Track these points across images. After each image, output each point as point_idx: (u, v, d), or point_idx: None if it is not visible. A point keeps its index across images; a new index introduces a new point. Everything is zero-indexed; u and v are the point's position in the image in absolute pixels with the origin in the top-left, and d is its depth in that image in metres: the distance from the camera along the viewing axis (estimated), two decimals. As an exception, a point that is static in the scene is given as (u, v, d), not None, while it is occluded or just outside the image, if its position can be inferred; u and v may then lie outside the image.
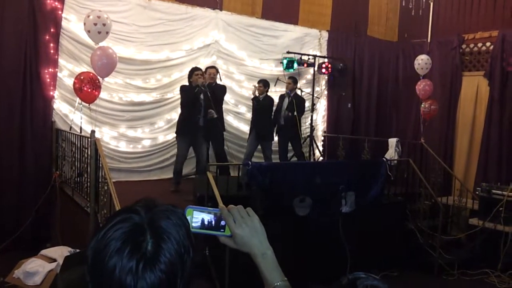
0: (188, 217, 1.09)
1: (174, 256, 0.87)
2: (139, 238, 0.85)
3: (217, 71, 6.84)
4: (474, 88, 8.27)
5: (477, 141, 8.13)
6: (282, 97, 7.64)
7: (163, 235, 0.87)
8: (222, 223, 1.15)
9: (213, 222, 1.14)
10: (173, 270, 0.86)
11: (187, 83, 6.48)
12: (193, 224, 1.11)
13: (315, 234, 5.41)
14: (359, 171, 6.15)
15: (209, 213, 1.14)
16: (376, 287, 0.82)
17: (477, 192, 7.05)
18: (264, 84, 7.29)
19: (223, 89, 6.86)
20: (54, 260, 4.20)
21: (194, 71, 6.27)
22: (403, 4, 7.99)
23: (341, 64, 8.67)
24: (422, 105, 8.01)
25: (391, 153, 7.44)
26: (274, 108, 7.57)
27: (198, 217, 1.12)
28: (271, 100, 7.40)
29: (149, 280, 0.83)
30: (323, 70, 8.48)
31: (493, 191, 6.59)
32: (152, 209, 0.91)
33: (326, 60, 8.61)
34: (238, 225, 1.14)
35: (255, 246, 1.14)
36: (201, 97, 6.20)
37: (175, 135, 6.64)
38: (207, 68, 6.74)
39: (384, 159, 6.56)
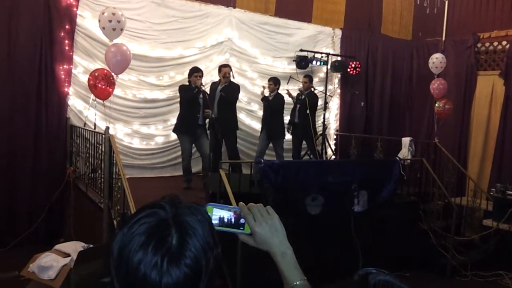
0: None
1: (199, 252, 0.86)
2: (164, 233, 0.85)
3: (231, 69, 6.83)
4: (489, 87, 8.18)
5: (492, 141, 8.04)
6: (297, 96, 7.61)
7: (188, 230, 0.87)
8: (242, 221, 1.14)
9: (233, 220, 1.14)
10: (198, 266, 0.86)
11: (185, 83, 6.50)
12: (213, 222, 1.10)
13: (326, 233, 5.40)
14: (371, 170, 6.11)
15: (229, 210, 1.14)
16: (388, 282, 0.81)
17: (491, 193, 6.98)
18: (274, 82, 7.26)
19: (237, 88, 6.83)
20: (68, 255, 4.24)
21: (193, 72, 6.24)
22: (418, 2, 7.94)
23: (356, 92, 8.69)
24: (436, 104, 7.94)
25: (404, 153, 7.39)
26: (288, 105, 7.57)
27: (218, 215, 1.12)
28: (282, 98, 7.34)
29: (174, 275, 0.83)
30: (350, 71, 8.48)
31: (508, 192, 6.52)
32: (177, 205, 0.91)
33: (339, 58, 8.56)
34: (258, 223, 1.14)
35: (275, 245, 1.14)
36: (200, 96, 6.21)
37: (176, 133, 6.63)
38: (221, 67, 6.73)
39: (397, 158, 6.51)
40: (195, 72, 6.21)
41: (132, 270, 0.84)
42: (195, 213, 0.91)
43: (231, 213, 1.14)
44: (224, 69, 6.64)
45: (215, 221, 1.11)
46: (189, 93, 6.16)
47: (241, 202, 1.17)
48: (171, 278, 0.83)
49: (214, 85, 6.69)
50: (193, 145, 6.46)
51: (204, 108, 6.24)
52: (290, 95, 7.49)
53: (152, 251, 0.83)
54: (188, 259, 0.85)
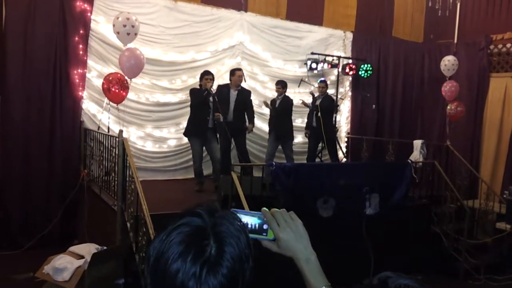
0: None
1: (236, 261, 0.87)
2: (203, 242, 0.86)
3: (243, 73, 6.89)
4: (502, 89, 8.13)
5: (505, 143, 7.98)
6: (313, 102, 7.61)
7: (226, 239, 0.87)
8: (265, 226, 1.13)
9: (256, 226, 1.13)
10: (235, 276, 0.86)
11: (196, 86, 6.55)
12: None
13: (338, 236, 5.40)
14: (383, 173, 6.11)
15: (252, 216, 1.13)
16: (409, 286, 0.81)
17: (504, 196, 6.93)
18: (282, 85, 7.26)
19: (249, 94, 6.92)
20: (82, 257, 4.30)
21: (204, 75, 6.28)
22: (429, 5, 7.90)
23: (367, 94, 8.70)
24: (448, 107, 7.91)
25: (416, 155, 7.37)
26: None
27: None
28: (290, 100, 7.35)
29: (211, 285, 0.84)
30: (348, 71, 8.45)
31: (521, 194, 6.47)
32: (214, 214, 0.92)
33: (350, 61, 8.58)
34: (283, 229, 1.13)
35: (300, 251, 1.13)
36: (210, 99, 6.26)
37: (186, 136, 6.66)
38: (235, 70, 6.79)
39: (409, 161, 6.49)
40: (206, 75, 6.25)
41: (169, 278, 0.84)
42: (232, 222, 0.92)
43: (255, 219, 1.13)
44: (238, 72, 6.70)
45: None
46: (199, 96, 6.21)
47: (264, 208, 1.17)
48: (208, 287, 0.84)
49: (225, 88, 6.72)
50: (204, 148, 6.50)
51: (214, 111, 6.29)
52: (305, 104, 7.50)
53: (191, 261, 0.84)
54: (225, 269, 0.85)
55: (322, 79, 7.83)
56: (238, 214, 1.10)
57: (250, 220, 1.13)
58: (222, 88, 6.72)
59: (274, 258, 1.19)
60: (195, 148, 6.38)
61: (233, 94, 6.66)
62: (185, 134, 6.59)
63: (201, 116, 6.27)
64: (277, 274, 3.91)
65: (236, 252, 0.88)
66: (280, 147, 7.36)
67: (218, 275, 0.84)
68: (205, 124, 6.28)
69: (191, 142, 6.49)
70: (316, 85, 7.94)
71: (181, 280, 0.83)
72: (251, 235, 1.12)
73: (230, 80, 6.79)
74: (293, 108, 7.40)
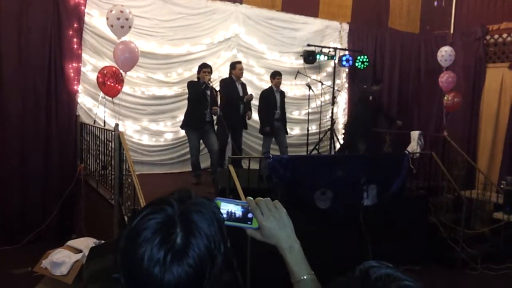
0: None
1: (204, 251, 0.86)
2: (170, 230, 0.85)
3: None
4: (499, 80, 8.12)
5: (502, 133, 7.99)
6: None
7: (193, 230, 0.87)
8: (249, 215, 1.14)
9: (240, 214, 1.14)
10: (202, 265, 0.86)
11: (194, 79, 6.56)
12: None
13: (336, 227, 5.41)
14: (380, 164, 6.11)
15: (236, 205, 1.14)
16: (390, 275, 0.79)
17: (501, 186, 6.94)
18: (281, 75, 7.28)
19: (245, 87, 7.01)
20: (80, 251, 4.29)
21: (202, 67, 6.26)
22: (425, -5, 7.89)
23: (364, 86, 8.70)
24: (445, 98, 7.90)
25: (414, 146, 7.37)
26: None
27: (226, 209, 1.12)
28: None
29: (176, 273, 0.83)
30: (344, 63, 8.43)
31: (518, 184, 6.48)
32: (185, 202, 0.91)
33: (346, 52, 8.56)
34: (266, 217, 1.13)
35: (283, 239, 1.14)
36: (208, 93, 6.24)
37: (183, 129, 6.67)
38: (235, 64, 6.81)
39: (407, 152, 6.49)
40: (204, 68, 6.24)
41: (136, 264, 0.84)
42: (203, 210, 0.91)
43: (239, 207, 1.14)
44: (238, 65, 6.76)
45: (223, 216, 1.10)
46: (197, 89, 6.19)
47: (249, 197, 1.17)
48: (173, 276, 0.83)
49: (231, 82, 6.70)
50: (201, 141, 6.49)
51: (212, 104, 6.27)
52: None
53: (156, 246, 0.84)
54: (191, 259, 0.85)
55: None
56: (222, 203, 1.10)
57: (234, 208, 1.13)
58: (228, 82, 6.71)
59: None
60: (193, 141, 6.36)
61: (239, 88, 6.72)
62: (182, 126, 6.57)
63: (198, 109, 6.25)
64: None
65: (203, 242, 0.87)
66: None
67: (183, 265, 0.84)
68: (202, 117, 6.27)
69: (188, 135, 6.47)
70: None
71: (147, 266, 0.83)
72: (235, 224, 1.12)
73: (231, 73, 6.78)
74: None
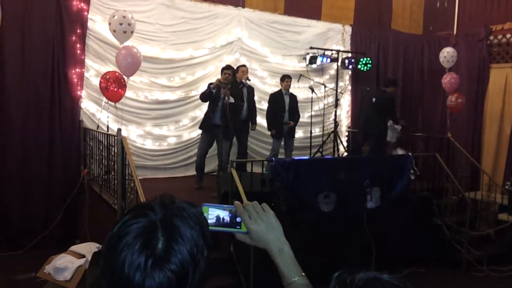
0: (204, 215, 1.10)
1: (186, 257, 0.85)
2: (150, 235, 0.84)
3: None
4: (503, 80, 8.08)
5: (506, 134, 7.94)
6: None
7: (175, 235, 0.85)
8: (238, 219, 1.14)
9: (228, 219, 1.13)
10: (184, 271, 0.85)
11: (212, 81, 6.54)
12: (209, 222, 1.09)
13: (340, 230, 5.39)
14: (384, 166, 6.09)
15: (224, 210, 1.13)
16: (367, 279, 0.78)
17: (506, 187, 6.90)
18: (290, 78, 7.31)
19: (253, 91, 7.10)
20: (83, 256, 4.30)
21: (224, 69, 6.24)
22: (428, -4, 7.87)
23: (367, 88, 8.69)
24: (449, 99, 7.87)
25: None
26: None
27: (214, 214, 1.12)
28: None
29: (157, 279, 0.82)
30: (347, 65, 8.43)
31: (523, 185, 6.44)
32: (167, 207, 0.90)
33: (349, 54, 8.55)
34: (254, 221, 1.13)
35: (272, 242, 1.13)
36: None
37: (199, 131, 6.70)
38: (239, 66, 6.88)
39: (409, 154, 6.48)
40: (225, 70, 6.20)
41: (117, 270, 0.83)
42: (185, 216, 0.89)
43: (227, 212, 1.13)
44: (242, 68, 6.82)
45: (211, 221, 1.10)
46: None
47: (236, 201, 1.17)
48: (154, 282, 0.82)
49: (239, 85, 6.68)
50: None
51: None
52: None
53: (137, 252, 0.82)
54: (173, 265, 0.83)
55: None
56: (210, 209, 1.10)
57: (222, 213, 1.13)
58: (234, 84, 6.66)
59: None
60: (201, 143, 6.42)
61: (244, 91, 6.74)
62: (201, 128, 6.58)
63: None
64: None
65: (186, 247, 0.85)
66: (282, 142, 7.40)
67: (165, 270, 0.82)
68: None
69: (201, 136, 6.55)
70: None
71: (127, 272, 0.82)
72: (224, 229, 1.12)
73: (236, 76, 6.78)
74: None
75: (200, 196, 5.86)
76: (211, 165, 7.08)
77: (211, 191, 5.97)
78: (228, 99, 6.07)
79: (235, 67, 6.96)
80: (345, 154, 8.36)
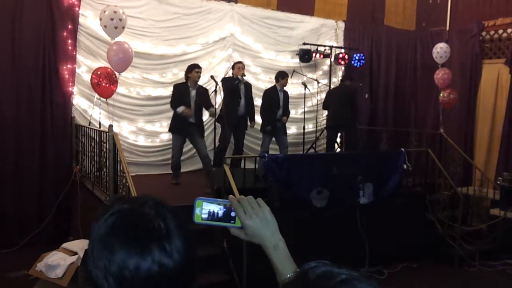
0: (198, 209, 1.08)
1: (183, 249, 0.88)
2: (149, 225, 0.87)
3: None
4: (495, 76, 8.12)
5: (498, 130, 7.99)
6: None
7: (173, 230, 0.88)
8: (232, 214, 1.12)
9: (223, 213, 1.11)
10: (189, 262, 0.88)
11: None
12: (202, 216, 1.09)
13: (333, 226, 5.40)
14: (376, 162, 6.10)
15: (219, 204, 1.11)
16: (329, 272, 0.76)
17: (498, 182, 6.94)
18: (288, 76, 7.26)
19: (250, 88, 7.03)
20: (75, 253, 4.27)
21: (194, 68, 6.21)
22: (421, -8, 7.87)
23: (360, 84, 8.68)
24: (441, 94, 7.89)
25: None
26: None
27: (208, 209, 1.10)
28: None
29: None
30: (340, 61, 8.42)
31: (515, 180, 6.48)
32: (160, 207, 0.92)
33: (343, 50, 8.55)
34: (249, 216, 1.11)
35: (267, 238, 1.12)
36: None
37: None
38: (235, 63, 6.79)
39: (402, 149, 6.48)
40: (196, 68, 6.19)
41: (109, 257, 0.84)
42: (176, 216, 0.92)
43: (221, 207, 1.11)
44: (237, 64, 6.74)
45: (204, 215, 1.09)
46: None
47: (231, 195, 1.15)
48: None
49: (235, 81, 6.60)
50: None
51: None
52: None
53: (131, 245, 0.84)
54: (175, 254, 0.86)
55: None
56: (204, 203, 1.08)
57: (216, 208, 1.11)
58: (233, 80, 6.62)
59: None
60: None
61: (241, 87, 6.69)
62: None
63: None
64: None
65: (181, 242, 0.87)
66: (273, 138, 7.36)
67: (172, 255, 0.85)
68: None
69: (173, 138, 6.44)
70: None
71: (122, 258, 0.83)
72: (218, 223, 1.10)
73: (232, 73, 6.75)
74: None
75: (192, 192, 5.84)
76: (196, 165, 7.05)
77: (204, 187, 5.95)
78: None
79: (229, 64, 6.95)
80: (339, 149, 8.38)
